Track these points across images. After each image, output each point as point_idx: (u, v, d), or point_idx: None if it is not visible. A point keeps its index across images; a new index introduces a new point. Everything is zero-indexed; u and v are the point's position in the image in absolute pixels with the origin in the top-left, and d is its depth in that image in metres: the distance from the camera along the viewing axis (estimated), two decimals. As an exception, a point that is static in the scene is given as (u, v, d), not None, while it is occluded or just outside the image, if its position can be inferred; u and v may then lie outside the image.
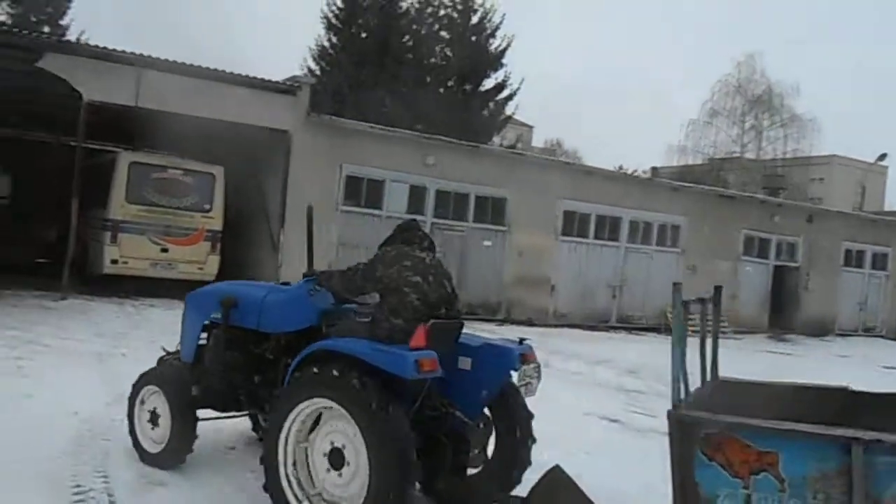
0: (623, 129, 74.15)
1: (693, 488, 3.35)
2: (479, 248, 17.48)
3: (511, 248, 17.74)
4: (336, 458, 4.19)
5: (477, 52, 26.85)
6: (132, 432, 5.34)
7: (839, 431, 3.19)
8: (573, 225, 18.61)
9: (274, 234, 15.64)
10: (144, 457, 5.23)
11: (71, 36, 25.61)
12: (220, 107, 14.65)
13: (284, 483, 4.29)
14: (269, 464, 4.32)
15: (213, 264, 15.09)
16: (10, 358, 8.43)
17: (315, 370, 4.21)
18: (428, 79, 26.43)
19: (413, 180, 16.71)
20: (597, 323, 18.58)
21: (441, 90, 27.00)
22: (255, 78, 15.41)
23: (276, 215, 15.59)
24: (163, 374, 5.33)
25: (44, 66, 13.47)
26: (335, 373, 4.10)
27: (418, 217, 16.67)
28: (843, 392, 4.32)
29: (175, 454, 5.13)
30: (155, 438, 5.22)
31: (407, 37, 27.74)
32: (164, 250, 14.72)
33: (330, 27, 28.44)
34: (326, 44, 28.59)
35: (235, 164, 15.74)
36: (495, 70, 27.43)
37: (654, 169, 36.51)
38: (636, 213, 19.34)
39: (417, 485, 4.15)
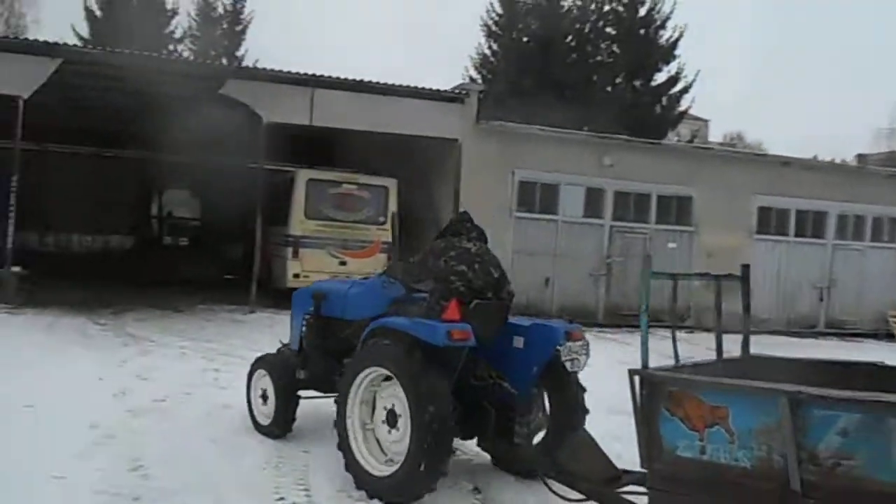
0: (811, 115, 67.77)
1: (658, 440, 3.72)
2: (664, 251, 16.27)
3: (699, 250, 16.38)
4: (391, 418, 4.88)
5: (646, 46, 25.55)
6: (249, 407, 6.40)
7: (775, 386, 3.45)
8: (770, 222, 16.97)
9: (447, 244, 15.34)
10: (258, 427, 6.31)
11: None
12: (389, 120, 14.67)
13: (353, 443, 5.02)
14: (340, 426, 5.07)
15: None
16: (209, 370, 8.69)
17: (372, 343, 5.01)
18: (595, 78, 25.46)
19: (589, 182, 15.88)
20: (802, 329, 16.74)
21: (609, 89, 25.91)
22: (422, 88, 15.29)
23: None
24: (270, 360, 6.36)
25: (226, 92, 14.04)
26: (386, 342, 4.88)
27: (596, 221, 15.97)
28: (873, 367, 4.34)
29: (280, 427, 6.15)
30: (265, 413, 6.24)
31: (570, 37, 26.92)
32: (343, 263, 14.85)
33: (490, 34, 28.21)
34: (487, 52, 28.38)
35: (406, 176, 15.66)
36: (667, 63, 25.95)
37: (860, 156, 32.91)
38: (845, 206, 17.31)
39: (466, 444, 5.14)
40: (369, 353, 5.02)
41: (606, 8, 25.83)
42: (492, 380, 5.12)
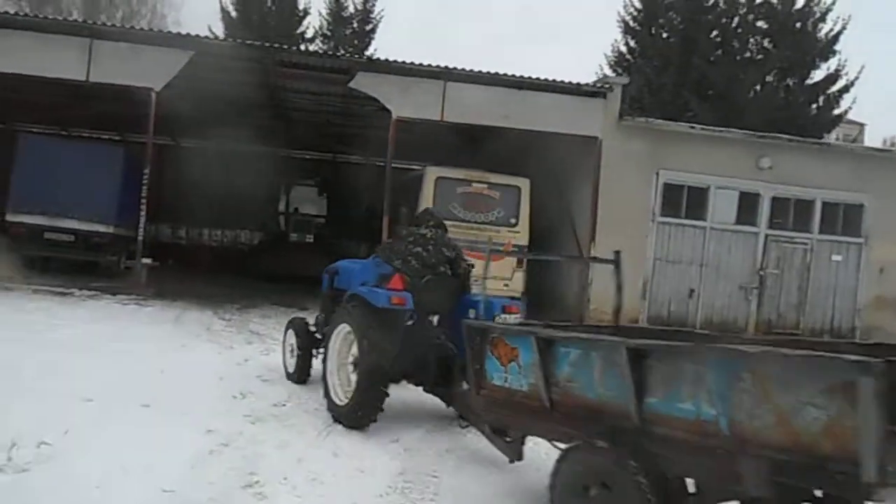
0: None
1: (482, 372, 4.98)
2: (826, 264, 14.53)
3: (869, 264, 14.52)
4: (355, 364, 6.15)
5: (802, 41, 23.33)
6: (283, 358, 7.87)
7: (529, 329, 4.80)
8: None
9: (583, 248, 14.30)
10: (287, 375, 7.70)
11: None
12: (524, 115, 13.83)
13: (329, 378, 6.41)
14: (323, 366, 6.57)
15: (518, 281, 14.16)
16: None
17: (347, 306, 6.38)
18: (741, 76, 23.50)
19: (743, 186, 14.38)
20: None
21: (757, 87, 23.89)
22: (561, 82, 14.32)
23: (584, 229, 14.26)
24: (297, 322, 7.84)
25: (355, 86, 13.60)
26: (353, 305, 6.26)
27: (750, 229, 14.44)
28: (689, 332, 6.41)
29: (300, 376, 7.58)
30: (290, 364, 7.71)
31: (715, 32, 25.08)
32: (470, 265, 14.03)
33: (627, 31, 26.77)
34: (624, 49, 26.95)
35: (539, 176, 14.74)
36: (825, 59, 23.61)
37: None
38: None
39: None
40: (342, 313, 6.45)
41: (759, 0, 23.79)
42: (439, 340, 6.41)
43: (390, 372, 5.99)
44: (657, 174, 14.13)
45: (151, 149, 13.25)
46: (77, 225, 13.59)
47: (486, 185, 14.31)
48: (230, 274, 13.58)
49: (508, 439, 5.17)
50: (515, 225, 14.26)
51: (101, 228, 13.70)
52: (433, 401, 6.80)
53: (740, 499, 3.64)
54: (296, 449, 5.56)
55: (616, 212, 13.86)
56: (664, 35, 26.15)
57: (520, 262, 14.29)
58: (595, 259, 6.52)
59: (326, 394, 6.39)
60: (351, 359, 6.18)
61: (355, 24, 30.40)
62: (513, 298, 7.08)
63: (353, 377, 6.11)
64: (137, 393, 6.47)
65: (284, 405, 6.73)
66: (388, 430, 6.15)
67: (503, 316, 6.18)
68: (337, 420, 6.18)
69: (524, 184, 14.27)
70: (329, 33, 29.72)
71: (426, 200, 14.07)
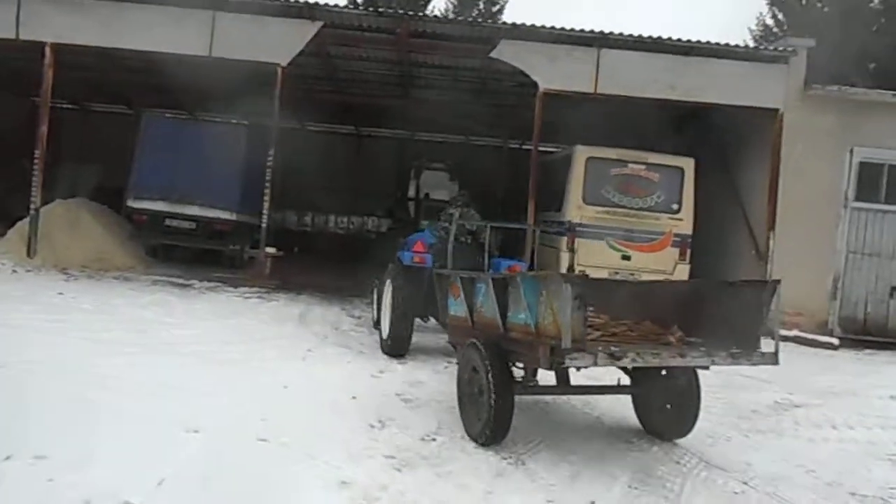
0: None
1: (445, 306, 6.37)
2: None
3: None
4: None
5: None
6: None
7: (456, 273, 6.49)
8: None
9: (758, 239, 12.17)
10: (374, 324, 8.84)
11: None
12: (692, 86, 11.92)
13: (382, 319, 8.19)
14: (376, 309, 8.62)
15: (681, 273, 12.23)
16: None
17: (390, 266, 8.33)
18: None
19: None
20: None
21: None
22: (736, 47, 12.34)
23: (760, 217, 12.11)
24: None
25: (497, 55, 12.02)
26: (391, 266, 8.29)
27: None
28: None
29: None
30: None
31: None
32: (626, 257, 12.25)
33: (774, 2, 24.16)
34: (770, 21, 24.50)
35: (706, 156, 12.69)
36: None
37: None
38: None
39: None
40: (388, 271, 8.18)
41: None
42: None
43: (414, 311, 7.90)
44: (851, 152, 11.78)
45: (277, 131, 12.19)
46: (199, 212, 12.74)
47: (644, 166, 12.41)
48: (357, 264, 12.44)
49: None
50: (678, 211, 12.30)
51: (224, 215, 12.81)
52: (629, 456, 5.35)
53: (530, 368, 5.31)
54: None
55: (800, 196, 11.68)
56: (818, 5, 23.29)
57: (682, 254, 12.37)
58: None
59: (379, 333, 8.25)
60: (391, 302, 7.87)
61: (482, 5, 28.91)
62: (520, 260, 9.42)
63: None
64: (254, 420, 5.19)
65: (434, 439, 5.26)
66: (584, 490, 4.55)
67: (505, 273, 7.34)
68: (382, 350, 7.99)
69: (688, 164, 12.27)
70: (455, 15, 28.37)
71: (576, 183, 12.37)
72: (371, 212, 19.32)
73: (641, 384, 5.62)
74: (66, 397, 5.31)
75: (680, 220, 12.30)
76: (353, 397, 6.07)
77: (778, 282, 4.90)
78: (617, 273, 12.47)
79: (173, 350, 7.10)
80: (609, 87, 11.88)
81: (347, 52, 13.42)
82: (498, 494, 4.38)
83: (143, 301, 9.67)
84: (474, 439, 5.16)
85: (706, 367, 5.08)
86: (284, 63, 11.68)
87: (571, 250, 12.32)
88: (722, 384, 7.74)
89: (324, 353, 7.73)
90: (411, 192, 18.24)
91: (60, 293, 9.55)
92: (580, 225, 12.30)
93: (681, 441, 5.65)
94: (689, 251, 12.16)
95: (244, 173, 12.91)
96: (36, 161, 11.64)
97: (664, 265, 12.38)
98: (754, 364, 4.83)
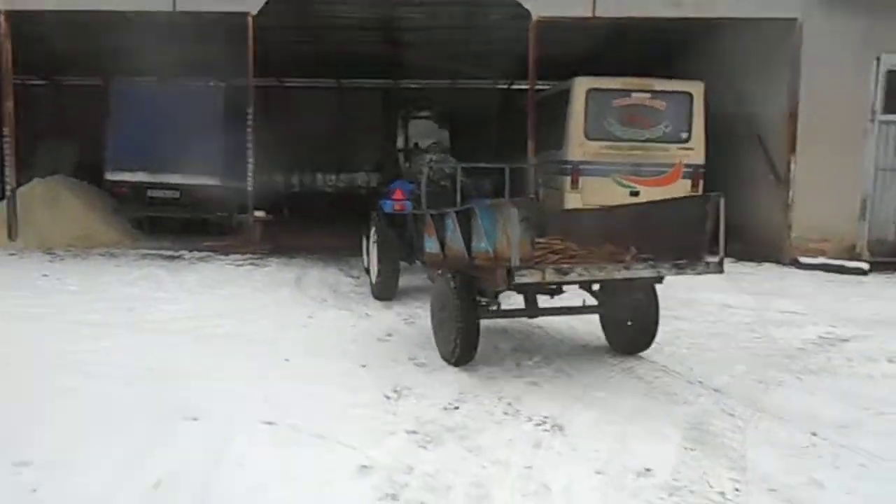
0: None
1: (420, 244, 6.97)
2: None
3: None
4: None
5: None
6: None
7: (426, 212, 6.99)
8: None
9: (777, 163, 11.51)
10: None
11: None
12: (698, 1, 11.00)
13: (371, 272, 8.46)
14: (364, 255, 9.06)
15: None
16: (512, 350, 5.93)
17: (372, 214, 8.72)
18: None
19: None
20: None
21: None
22: (746, -50, 11.39)
23: (779, 140, 11.41)
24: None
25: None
26: (374, 214, 8.68)
27: None
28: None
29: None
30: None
31: None
32: (635, 193, 11.59)
33: None
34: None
35: (715, 79, 11.96)
36: None
37: None
38: None
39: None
40: (371, 220, 8.65)
41: None
42: None
43: (398, 256, 8.17)
44: (878, 60, 10.98)
45: (253, 88, 11.39)
46: (181, 180, 12.00)
47: (649, 95, 11.68)
48: (350, 221, 11.85)
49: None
50: (688, 140, 11.63)
51: (208, 181, 12.08)
52: (675, 411, 4.80)
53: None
54: (502, 496, 3.51)
55: (822, 113, 10.89)
56: None
57: (695, 185, 11.73)
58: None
59: (369, 279, 8.56)
60: (376, 249, 8.20)
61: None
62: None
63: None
64: (257, 401, 4.62)
65: (457, 408, 4.69)
66: (634, 456, 3.99)
67: None
68: (373, 295, 8.24)
69: (697, 89, 11.55)
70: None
71: (577, 118, 11.66)
72: (360, 167, 18.58)
73: (605, 303, 5.91)
74: (48, 390, 4.74)
75: (690, 149, 11.64)
76: (363, 366, 5.49)
77: (720, 195, 5.03)
78: (626, 209, 11.94)
79: (164, 328, 6.50)
80: (609, 9, 11.02)
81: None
82: (539, 469, 3.81)
83: (130, 277, 9.05)
84: (446, 360, 5.58)
85: (657, 280, 5.36)
86: (254, 11, 10.84)
87: (576, 190, 11.71)
88: (756, 320, 7.21)
89: (325, 319, 7.12)
90: (400, 143, 17.54)
91: (45, 275, 8.94)
92: (583, 162, 11.65)
93: (731, 389, 5.11)
94: (702, 182, 11.52)
95: (224, 136, 12.15)
96: (6, 139, 10.86)
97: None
98: (699, 273, 5.03)
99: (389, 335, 6.49)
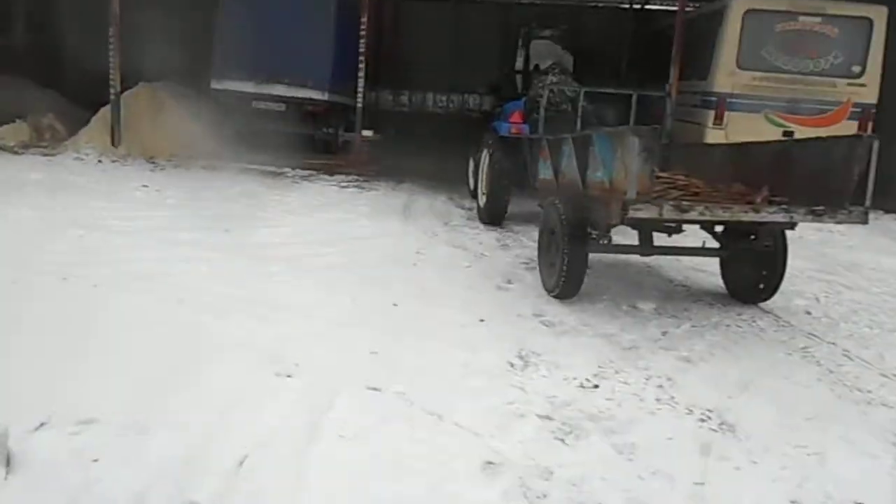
0: None
1: (535, 169, 6.71)
2: None
3: None
4: None
5: None
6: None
7: (548, 137, 6.57)
8: None
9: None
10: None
11: None
12: None
13: (479, 194, 8.34)
14: (473, 175, 8.99)
15: None
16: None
17: (485, 136, 8.51)
18: None
19: None
20: None
21: None
22: None
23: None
24: None
25: None
26: (487, 135, 8.46)
27: None
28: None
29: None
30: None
31: None
32: (789, 133, 10.18)
33: None
34: None
35: None
36: None
37: None
38: None
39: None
40: (484, 141, 8.39)
41: None
42: None
43: (512, 178, 7.73)
44: None
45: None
46: (287, 91, 11.32)
47: (818, 19, 10.13)
48: (461, 146, 11.02)
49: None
50: (860, 75, 10.09)
51: (316, 95, 11.35)
52: (853, 411, 3.68)
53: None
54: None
55: None
56: None
57: (863, 128, 10.20)
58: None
59: (476, 203, 8.36)
60: (487, 172, 7.97)
61: None
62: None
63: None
64: (362, 354, 3.93)
65: (597, 386, 3.85)
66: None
67: None
68: (480, 220, 8.08)
69: (880, 14, 9.90)
70: None
71: (729, 44, 10.24)
72: (474, 88, 17.45)
73: (727, 247, 5.47)
74: (128, 322, 4.20)
75: (862, 85, 10.11)
76: (481, 320, 4.69)
77: (873, 137, 4.46)
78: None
79: (262, 254, 5.90)
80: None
81: None
82: (714, 489, 2.94)
83: (231, 192, 8.56)
84: (548, 291, 5.25)
85: (788, 226, 4.87)
86: None
87: (720, 126, 10.37)
88: None
89: (435, 256, 6.35)
90: (518, 65, 16.34)
91: (145, 185, 8.56)
92: (732, 95, 10.27)
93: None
94: (870, 125, 9.98)
95: (335, 48, 11.33)
96: (112, 41, 10.43)
97: None
98: (839, 222, 4.58)
99: (509, 282, 5.66)
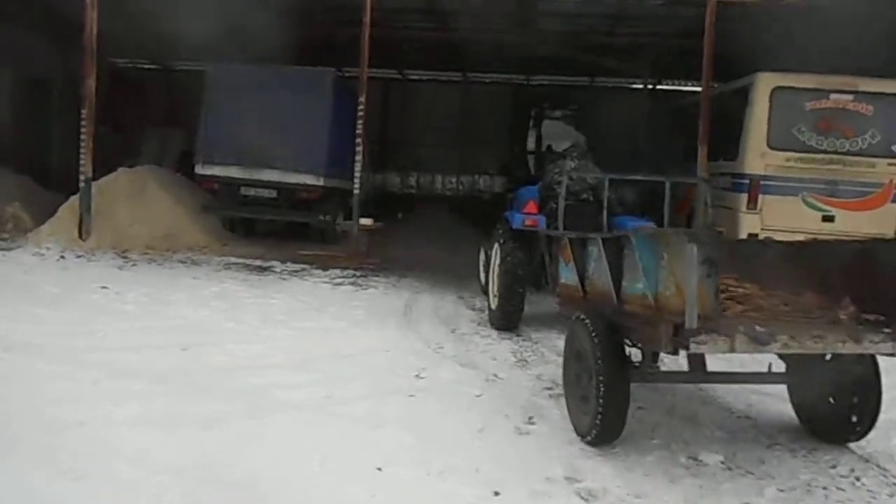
0: None
1: (556, 272, 5.51)
2: None
3: None
4: None
5: None
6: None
7: (567, 235, 5.55)
8: None
9: None
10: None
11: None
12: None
13: (490, 293, 7.13)
14: (481, 278, 8.21)
15: None
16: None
17: (496, 227, 7.36)
18: None
19: None
20: None
21: None
22: None
23: None
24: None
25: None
26: (499, 227, 7.23)
27: None
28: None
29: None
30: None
31: None
32: (829, 218, 9.27)
33: None
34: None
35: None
36: None
37: None
38: None
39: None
40: (495, 234, 7.26)
41: None
42: None
43: (526, 279, 6.83)
44: None
45: (368, 77, 9.71)
46: (279, 177, 10.44)
47: (852, 97, 9.29)
48: (471, 231, 10.11)
49: None
50: (902, 155, 9.14)
51: (310, 180, 10.48)
52: None
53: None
54: None
55: None
56: None
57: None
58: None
59: (487, 302, 7.23)
60: (499, 271, 6.92)
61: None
62: (647, 219, 7.27)
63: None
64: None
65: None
66: None
67: None
68: (491, 324, 6.99)
69: (913, 90, 9.03)
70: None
71: (758, 122, 9.37)
72: (484, 169, 16.62)
73: (799, 372, 4.35)
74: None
75: None
76: (496, 493, 3.46)
77: None
78: (816, 237, 9.49)
79: (219, 384, 4.75)
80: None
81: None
82: None
83: (204, 295, 7.49)
84: (581, 436, 4.12)
85: (892, 355, 3.72)
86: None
87: (754, 210, 9.37)
88: None
89: (439, 381, 5.18)
90: (530, 145, 15.56)
91: (104, 286, 7.48)
92: (766, 177, 9.33)
93: None
94: (922, 213, 8.99)
95: (332, 129, 10.53)
96: (84, 122, 9.59)
97: (883, 226, 9.29)
98: None
99: (531, 421, 4.49)
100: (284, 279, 8.68)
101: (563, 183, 6.60)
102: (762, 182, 9.34)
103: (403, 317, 7.17)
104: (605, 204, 6.92)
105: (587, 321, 4.17)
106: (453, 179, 16.37)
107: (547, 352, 6.20)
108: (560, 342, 5.96)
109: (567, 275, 5.07)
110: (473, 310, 7.76)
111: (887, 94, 9.21)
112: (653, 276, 3.71)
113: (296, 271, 9.12)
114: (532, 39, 13.53)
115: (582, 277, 4.77)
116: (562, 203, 6.50)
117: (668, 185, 7.07)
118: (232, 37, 13.08)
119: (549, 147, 16.03)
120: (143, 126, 16.55)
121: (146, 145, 15.79)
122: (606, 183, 6.76)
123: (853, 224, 9.30)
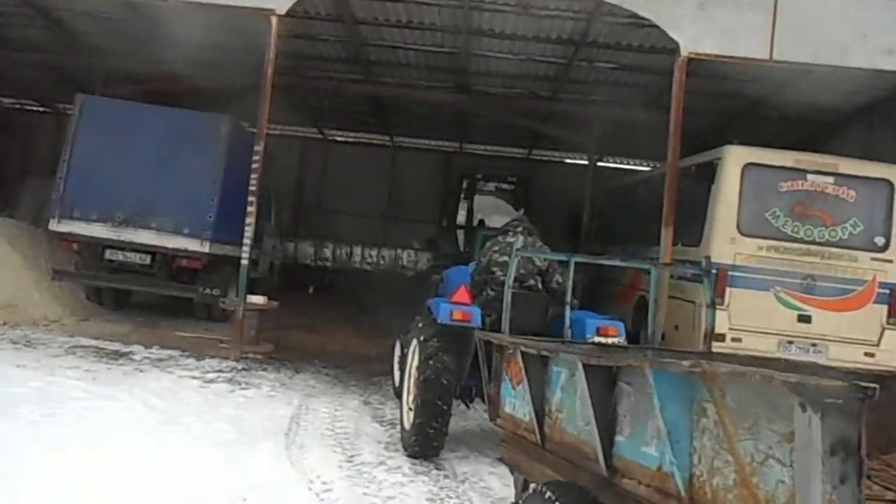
0: None
1: (498, 397, 3.83)
2: None
3: None
4: None
5: None
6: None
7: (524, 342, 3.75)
8: None
9: None
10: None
11: None
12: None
13: (403, 406, 5.59)
14: (394, 378, 6.67)
15: (892, 344, 8.06)
16: None
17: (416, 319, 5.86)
18: None
19: None
20: None
21: None
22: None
23: None
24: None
25: (618, 1, 7.78)
26: (419, 319, 5.71)
27: None
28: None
29: None
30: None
31: None
32: (805, 318, 8.07)
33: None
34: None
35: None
36: None
37: None
38: None
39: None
40: (413, 327, 5.71)
41: None
42: None
43: (452, 391, 5.32)
44: None
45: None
46: (155, 239, 8.52)
47: (832, 179, 8.24)
48: (390, 312, 8.53)
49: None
50: (886, 247, 8.12)
51: (193, 245, 8.60)
52: None
53: None
54: None
55: None
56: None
57: (893, 313, 8.09)
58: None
59: (400, 414, 5.68)
60: (417, 377, 5.41)
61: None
62: (614, 319, 5.84)
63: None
64: None
65: None
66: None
67: (596, 339, 5.18)
68: (404, 449, 5.38)
69: (898, 176, 8.04)
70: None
71: (726, 204, 8.17)
72: (407, 243, 14.99)
73: None
74: None
75: (888, 261, 8.16)
76: None
77: None
78: (791, 342, 8.20)
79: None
80: (791, 51, 7.56)
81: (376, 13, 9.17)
82: None
83: (21, 392, 5.47)
84: None
85: None
86: (283, 10, 7.52)
87: (721, 306, 8.00)
88: None
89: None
90: (460, 219, 14.10)
91: None
92: (734, 267, 8.03)
93: None
94: (906, 316, 7.88)
95: (224, 185, 8.75)
96: None
97: (865, 331, 8.17)
98: None
99: None
100: (142, 370, 6.72)
101: (511, 265, 4.96)
102: (730, 273, 8.05)
103: (285, 436, 5.31)
104: (560, 293, 5.53)
105: (551, 496, 2.59)
106: (374, 253, 14.68)
107: (476, 497, 4.47)
108: (497, 482, 4.33)
109: (515, 403, 3.52)
110: (382, 423, 6.01)
111: (870, 179, 8.21)
112: (685, 442, 2.18)
113: (160, 360, 7.16)
114: (466, 101, 12.16)
115: (539, 412, 3.20)
116: (508, 293, 4.85)
117: (652, 273, 6.17)
118: (132, 78, 11.38)
119: (481, 221, 14.73)
120: (24, 174, 14.66)
121: (25, 196, 13.90)
122: (572, 265, 5.17)
123: (832, 326, 8.17)
